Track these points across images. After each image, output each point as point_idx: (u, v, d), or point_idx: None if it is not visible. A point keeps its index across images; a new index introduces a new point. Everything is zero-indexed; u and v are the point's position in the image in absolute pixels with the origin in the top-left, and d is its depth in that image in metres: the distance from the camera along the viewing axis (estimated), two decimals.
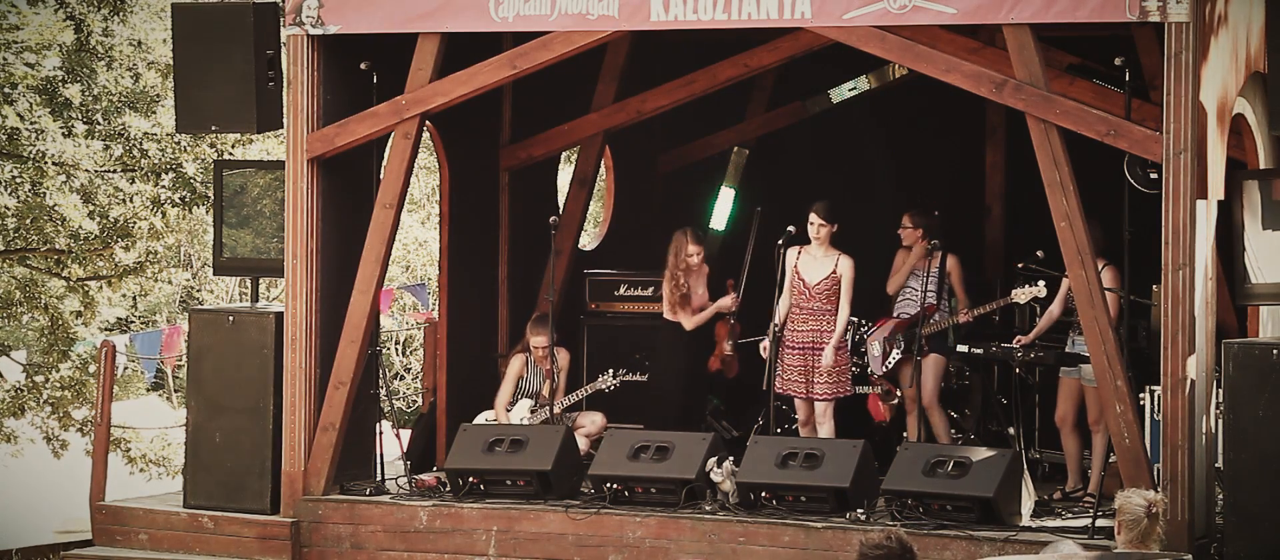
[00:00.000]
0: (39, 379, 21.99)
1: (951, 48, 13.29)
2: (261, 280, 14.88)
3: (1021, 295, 13.69)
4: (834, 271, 13.73)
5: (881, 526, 11.97)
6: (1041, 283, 13.67)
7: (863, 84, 16.40)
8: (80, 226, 20.14)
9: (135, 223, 20.56)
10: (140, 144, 20.12)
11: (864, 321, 14.63)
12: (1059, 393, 13.70)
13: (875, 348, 14.18)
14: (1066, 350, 13.55)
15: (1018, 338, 13.87)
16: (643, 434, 13.61)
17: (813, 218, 13.75)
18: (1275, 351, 11.88)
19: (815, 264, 13.80)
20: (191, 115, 14.27)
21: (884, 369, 14.16)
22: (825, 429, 13.73)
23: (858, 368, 14.38)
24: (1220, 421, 12.47)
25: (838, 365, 13.74)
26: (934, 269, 14.04)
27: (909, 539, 7.75)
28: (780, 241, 13.76)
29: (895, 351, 14.08)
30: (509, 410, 14.59)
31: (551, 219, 14.52)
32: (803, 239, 13.82)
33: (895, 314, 14.25)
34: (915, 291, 14.17)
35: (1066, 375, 13.62)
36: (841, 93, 16.54)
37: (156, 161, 20.17)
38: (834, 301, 13.73)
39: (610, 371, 14.63)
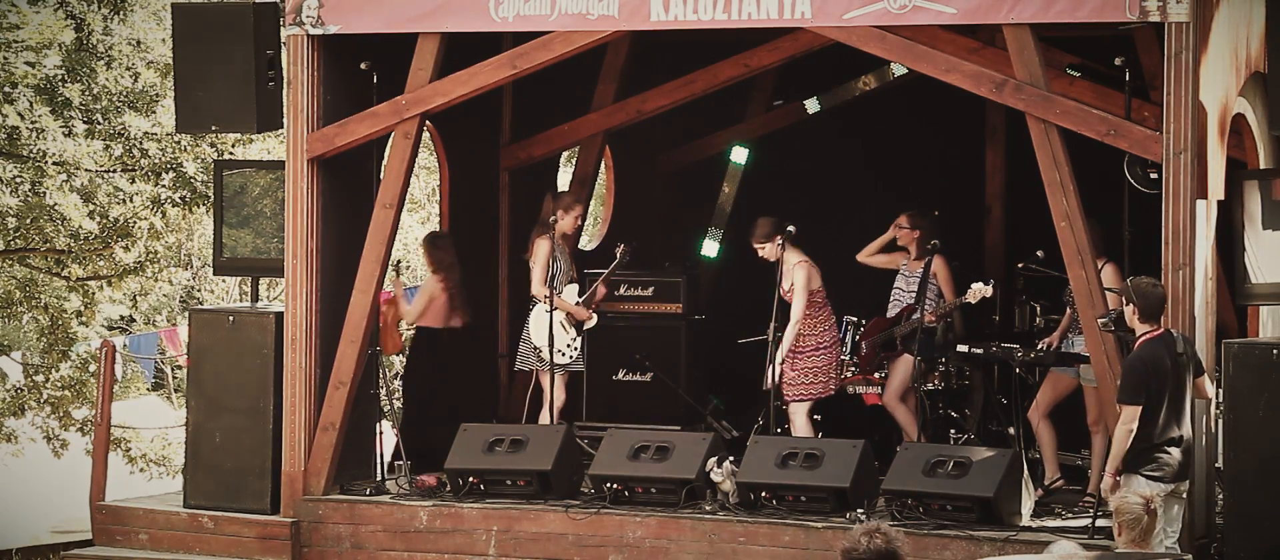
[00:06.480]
0: (39, 379, 21.99)
1: (951, 48, 13.29)
2: (261, 280, 14.88)
3: (972, 295, 13.73)
4: (794, 282, 13.79)
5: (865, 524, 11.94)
6: (991, 281, 13.74)
7: (815, 105, 16.54)
8: (80, 226, 20.14)
9: (135, 223, 20.56)
10: (140, 144, 20.12)
11: (861, 321, 14.67)
12: (1043, 384, 13.72)
13: (862, 348, 14.33)
14: (1064, 350, 13.57)
15: (1045, 340, 13.84)
16: (643, 434, 13.61)
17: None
18: (1275, 351, 11.88)
19: (784, 273, 13.83)
20: (191, 115, 14.27)
21: (869, 366, 14.31)
22: (796, 429, 13.78)
23: (854, 368, 14.46)
24: (1220, 421, 12.47)
25: (795, 368, 13.81)
26: (920, 270, 14.09)
27: (891, 533, 7.63)
28: (780, 240, 13.76)
29: (880, 351, 14.23)
30: (557, 293, 14.42)
31: (551, 218, 14.50)
32: (795, 245, 13.83)
33: (888, 314, 14.37)
34: (902, 292, 14.26)
35: (1058, 372, 13.63)
36: (814, 105, 16.64)
37: (156, 161, 20.17)
38: (804, 293, 13.82)
39: (620, 246, 14.71)
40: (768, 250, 13.88)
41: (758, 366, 13.94)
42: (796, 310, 13.74)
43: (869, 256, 14.58)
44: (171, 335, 26.08)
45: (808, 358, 13.87)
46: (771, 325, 13.70)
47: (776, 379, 13.72)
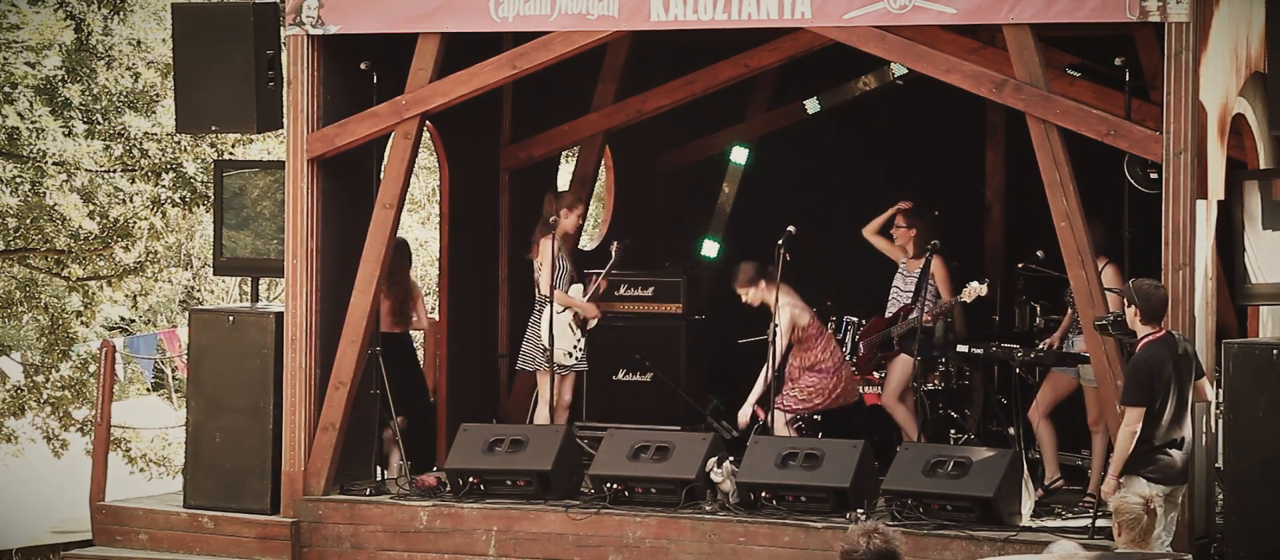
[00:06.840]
0: (39, 379, 21.99)
1: (951, 48, 13.29)
2: (261, 280, 14.88)
3: (967, 294, 13.74)
4: (780, 323, 13.78)
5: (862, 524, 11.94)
6: (987, 280, 13.76)
7: (815, 105, 16.56)
8: (80, 226, 20.15)
9: (135, 223, 20.57)
10: (140, 144, 20.13)
11: (861, 321, 14.68)
12: (1044, 384, 13.72)
13: (860, 349, 14.35)
14: (1064, 350, 13.58)
15: (1046, 340, 13.86)
16: (643, 434, 13.61)
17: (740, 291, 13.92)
18: (1275, 351, 11.88)
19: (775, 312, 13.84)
20: (191, 115, 14.27)
21: (867, 366, 14.36)
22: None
23: (853, 369, 14.48)
24: (1220, 421, 12.47)
25: (790, 380, 13.86)
26: (918, 270, 14.10)
27: (889, 533, 7.61)
28: (780, 242, 13.75)
29: (877, 351, 14.25)
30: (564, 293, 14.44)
31: (551, 218, 14.49)
32: (795, 244, 13.83)
33: (886, 314, 14.39)
34: (900, 292, 14.28)
35: (1058, 372, 13.64)
36: (814, 105, 16.67)
37: (156, 161, 20.18)
38: (788, 336, 13.81)
39: (614, 243, 14.78)
40: (750, 295, 13.88)
41: (758, 367, 13.94)
42: (778, 350, 13.74)
43: (872, 234, 14.58)
44: (171, 337, 26.08)
45: (801, 378, 13.89)
46: (772, 326, 13.71)
47: (747, 419, 13.79)
